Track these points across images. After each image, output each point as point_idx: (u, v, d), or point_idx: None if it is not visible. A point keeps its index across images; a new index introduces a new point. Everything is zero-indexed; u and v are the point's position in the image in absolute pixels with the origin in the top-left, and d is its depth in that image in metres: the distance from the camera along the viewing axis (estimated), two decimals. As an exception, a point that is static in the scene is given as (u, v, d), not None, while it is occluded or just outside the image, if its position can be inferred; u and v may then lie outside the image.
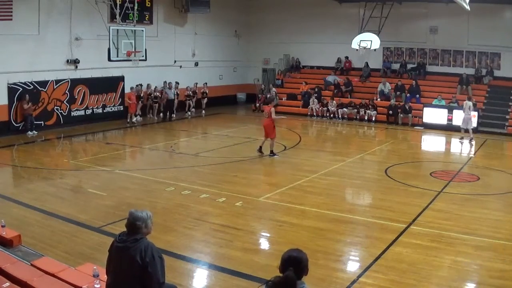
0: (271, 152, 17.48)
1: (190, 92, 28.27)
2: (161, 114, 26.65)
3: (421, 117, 25.37)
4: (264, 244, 10.25)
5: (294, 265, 4.20)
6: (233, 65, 33.39)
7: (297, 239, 9.85)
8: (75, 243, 9.38)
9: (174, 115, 26.83)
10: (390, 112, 26.02)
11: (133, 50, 22.36)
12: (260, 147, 17.77)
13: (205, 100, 29.03)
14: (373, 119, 26.44)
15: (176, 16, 28.34)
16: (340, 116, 27.32)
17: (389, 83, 27.81)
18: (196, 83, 28.68)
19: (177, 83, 27.32)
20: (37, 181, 14.21)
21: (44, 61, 21.50)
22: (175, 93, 26.88)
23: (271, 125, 17.24)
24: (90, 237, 9.72)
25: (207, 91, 29.15)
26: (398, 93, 27.25)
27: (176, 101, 27.04)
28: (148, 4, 26.34)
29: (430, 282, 8.03)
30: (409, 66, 29.22)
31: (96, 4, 22.18)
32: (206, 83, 29.28)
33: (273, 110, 17.45)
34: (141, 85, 25.74)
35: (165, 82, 26.99)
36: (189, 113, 27.84)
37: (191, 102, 28.27)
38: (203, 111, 28.48)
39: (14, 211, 11.08)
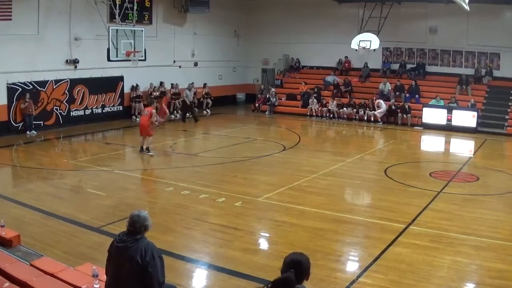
0: (146, 148, 17.69)
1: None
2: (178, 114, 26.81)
3: (421, 117, 25.36)
4: (264, 244, 10.25)
5: (295, 267, 4.22)
6: (232, 65, 33.38)
7: (296, 239, 9.86)
8: (74, 243, 9.37)
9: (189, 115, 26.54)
10: (390, 111, 26.03)
11: (133, 50, 22.37)
12: (141, 147, 17.80)
13: (208, 101, 29.20)
14: (372, 119, 26.42)
15: (175, 16, 28.32)
16: (341, 116, 27.30)
17: (389, 83, 27.79)
18: (193, 83, 28.56)
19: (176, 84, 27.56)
20: (37, 181, 14.20)
21: (44, 61, 21.47)
22: (194, 93, 27.11)
23: (146, 124, 17.43)
24: (90, 237, 9.71)
25: (208, 91, 29.30)
26: (397, 93, 27.25)
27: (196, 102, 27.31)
28: (148, 4, 26.32)
29: (429, 282, 8.03)
30: (409, 66, 29.19)
31: (95, 4, 22.14)
32: (205, 84, 29.29)
33: (154, 112, 17.80)
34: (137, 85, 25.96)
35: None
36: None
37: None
38: (206, 111, 28.62)
39: (13, 211, 11.06)
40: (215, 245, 9.66)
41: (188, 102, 26.24)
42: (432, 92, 26.40)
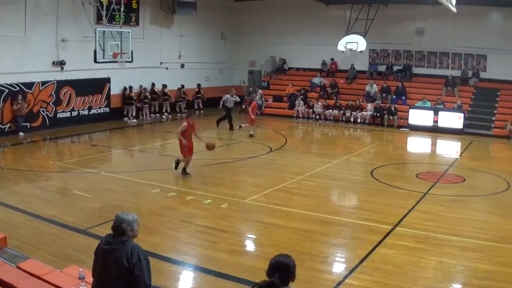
0: (183, 169, 15.04)
1: (181, 94, 28.55)
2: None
3: (407, 119, 25.49)
4: (250, 246, 10.24)
5: (280, 270, 4.20)
6: (219, 66, 33.28)
7: (282, 241, 9.87)
8: (60, 245, 9.32)
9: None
10: (377, 114, 26.13)
11: (119, 52, 22.32)
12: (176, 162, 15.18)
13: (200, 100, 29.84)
14: (359, 120, 26.52)
15: (162, 18, 28.24)
16: (327, 118, 27.36)
17: (376, 85, 27.89)
18: (183, 85, 28.73)
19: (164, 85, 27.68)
20: (23, 183, 14.07)
21: (30, 63, 21.30)
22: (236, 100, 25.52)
23: (180, 142, 15.03)
24: (76, 239, 9.66)
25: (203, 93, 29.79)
26: (384, 95, 27.35)
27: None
28: (135, 5, 26.23)
29: (416, 283, 8.07)
30: (395, 68, 29.33)
31: (82, 5, 22.08)
32: (200, 85, 29.48)
33: (184, 125, 14.95)
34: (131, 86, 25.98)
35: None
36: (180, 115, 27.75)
37: (182, 104, 28.73)
38: (200, 112, 28.78)
39: (-1, 214, 10.99)
40: (201, 247, 9.64)
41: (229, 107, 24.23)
42: (419, 94, 26.56)
